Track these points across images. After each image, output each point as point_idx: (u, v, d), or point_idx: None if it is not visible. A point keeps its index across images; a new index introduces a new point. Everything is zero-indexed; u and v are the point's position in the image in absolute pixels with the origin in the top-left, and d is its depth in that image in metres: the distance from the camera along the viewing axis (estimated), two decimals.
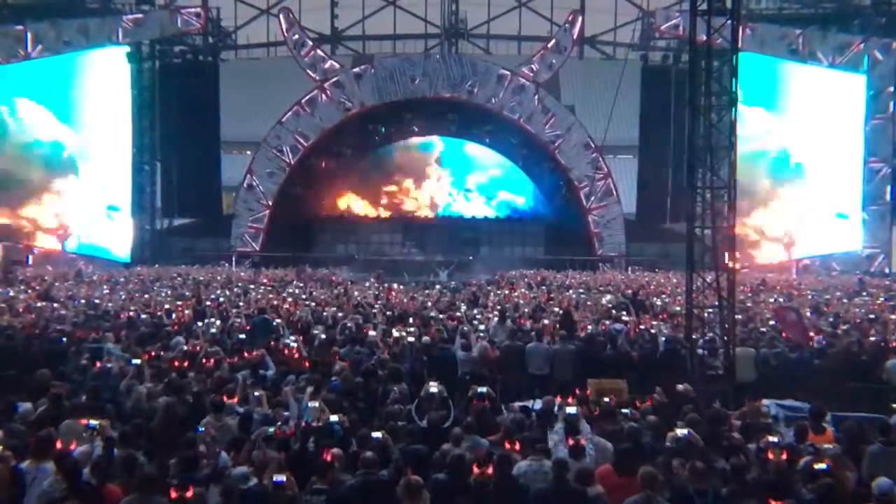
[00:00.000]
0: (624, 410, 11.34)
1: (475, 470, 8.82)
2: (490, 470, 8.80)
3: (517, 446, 9.73)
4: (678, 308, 20.55)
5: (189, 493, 7.99)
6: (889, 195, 41.47)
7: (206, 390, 11.97)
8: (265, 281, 30.24)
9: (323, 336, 16.37)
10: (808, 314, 20.71)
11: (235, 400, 11.48)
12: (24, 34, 41.15)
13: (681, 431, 9.79)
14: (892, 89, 41.06)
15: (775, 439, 9.62)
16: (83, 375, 13.44)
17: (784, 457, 9.15)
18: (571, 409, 10.29)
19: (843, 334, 17.41)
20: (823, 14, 43.32)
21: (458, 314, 20.04)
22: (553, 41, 44.75)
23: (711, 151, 15.91)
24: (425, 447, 9.97)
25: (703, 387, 13.24)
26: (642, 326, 18.10)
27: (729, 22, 16.03)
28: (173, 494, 8.01)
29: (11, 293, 24.37)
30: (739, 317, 17.81)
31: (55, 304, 21.47)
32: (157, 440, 9.92)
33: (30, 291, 25.12)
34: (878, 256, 41.56)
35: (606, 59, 53.55)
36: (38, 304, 21.10)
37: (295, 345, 15.38)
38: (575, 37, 45.57)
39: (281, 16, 45.58)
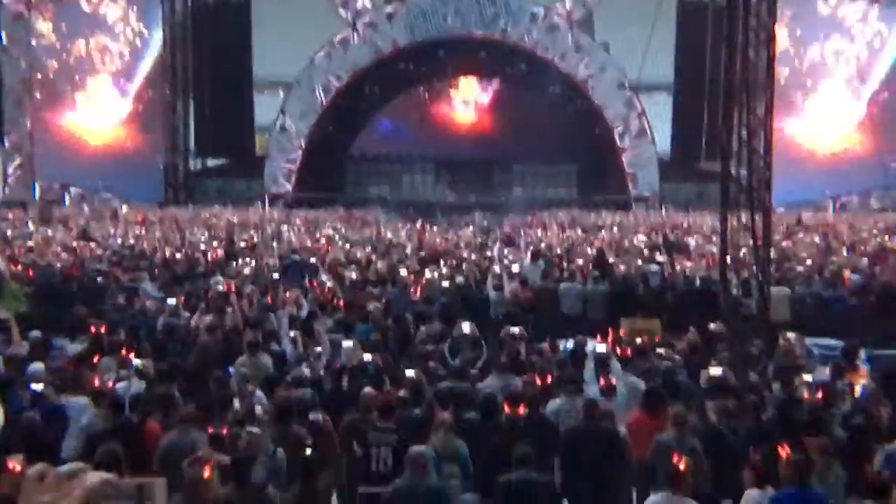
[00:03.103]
0: (658, 350, 11.36)
1: (507, 409, 8.87)
2: (521, 409, 8.86)
3: (550, 385, 9.77)
4: (713, 249, 20.42)
5: (224, 431, 8.12)
6: None
7: (241, 329, 12.11)
8: (298, 222, 30.35)
9: (355, 276, 16.45)
10: (845, 253, 20.54)
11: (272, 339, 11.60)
12: None
13: (714, 371, 9.79)
14: None
15: (809, 378, 9.60)
16: (120, 314, 13.63)
17: (819, 395, 9.13)
18: (601, 348, 10.31)
19: (881, 272, 17.25)
20: None
21: (491, 255, 20.06)
22: None
23: (748, 90, 15.67)
24: (458, 386, 10.04)
25: (736, 327, 13.19)
26: (677, 267, 18.04)
27: None
28: (209, 431, 8.13)
29: (50, 232, 24.65)
30: (775, 256, 17.68)
31: (92, 244, 21.70)
32: (193, 378, 10.04)
33: (67, 231, 25.38)
34: None
35: None
36: (76, 244, 21.33)
37: (329, 284, 15.48)
38: None
39: None
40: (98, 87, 42.79)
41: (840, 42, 41.48)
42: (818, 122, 41.65)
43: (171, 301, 13.06)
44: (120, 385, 9.50)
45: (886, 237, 24.98)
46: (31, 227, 26.48)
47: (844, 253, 20.56)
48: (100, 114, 42.82)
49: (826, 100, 41.81)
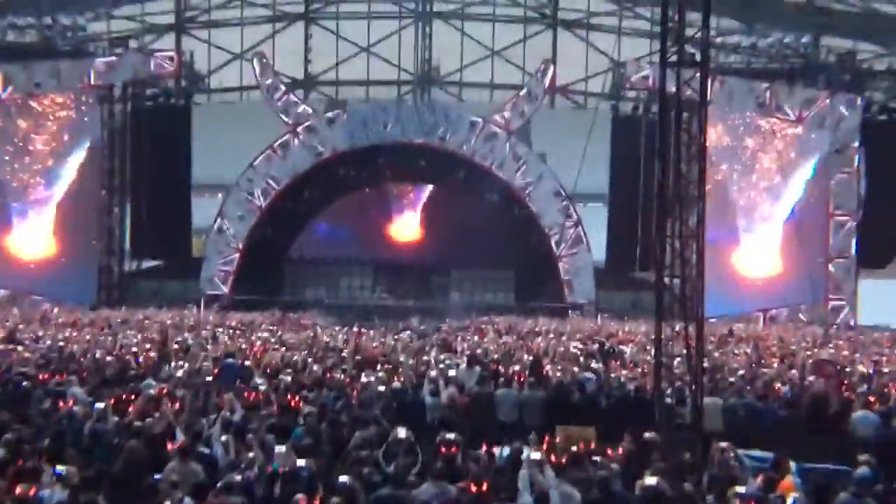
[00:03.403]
0: (593, 458, 11.33)
1: None
2: None
3: (485, 493, 9.67)
4: (647, 357, 20.60)
5: None
6: (854, 249, 41.98)
7: (171, 434, 11.84)
8: (234, 324, 30.03)
9: (290, 379, 16.26)
10: (775, 364, 20.84)
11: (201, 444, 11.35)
12: None
13: (650, 480, 9.78)
14: (856, 144, 41.73)
15: (742, 489, 9.63)
16: (46, 419, 13.26)
17: None
18: (535, 456, 10.26)
19: (810, 385, 17.49)
20: (791, 69, 44.06)
21: (428, 359, 20.00)
22: (525, 90, 45.20)
23: (680, 201, 16.04)
24: (392, 493, 9.88)
25: (670, 436, 13.23)
26: (612, 375, 18.13)
27: (698, 74, 16.25)
28: None
29: None
30: (707, 366, 17.88)
31: (19, 347, 21.19)
32: (119, 485, 9.76)
33: None
34: (843, 308, 41.94)
35: (578, 108, 54.05)
36: (2, 347, 20.82)
37: (263, 388, 15.26)
38: (547, 86, 45.99)
39: (255, 60, 45.76)
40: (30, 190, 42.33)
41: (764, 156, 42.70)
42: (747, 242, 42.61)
43: (100, 405, 12.74)
44: (43, 493, 9.19)
45: (815, 350, 25.45)
46: None
47: (775, 365, 20.87)
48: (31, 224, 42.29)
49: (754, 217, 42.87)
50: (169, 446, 11.33)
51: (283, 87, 45.01)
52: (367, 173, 45.30)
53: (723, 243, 38.75)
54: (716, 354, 22.49)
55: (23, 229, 42.13)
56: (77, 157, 42.64)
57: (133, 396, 14.21)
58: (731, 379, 17.80)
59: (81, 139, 42.72)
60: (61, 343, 22.11)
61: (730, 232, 41.13)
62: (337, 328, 30.74)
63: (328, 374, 17.16)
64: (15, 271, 42.00)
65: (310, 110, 45.32)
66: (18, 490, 9.10)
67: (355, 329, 29.19)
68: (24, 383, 15.91)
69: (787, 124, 41.92)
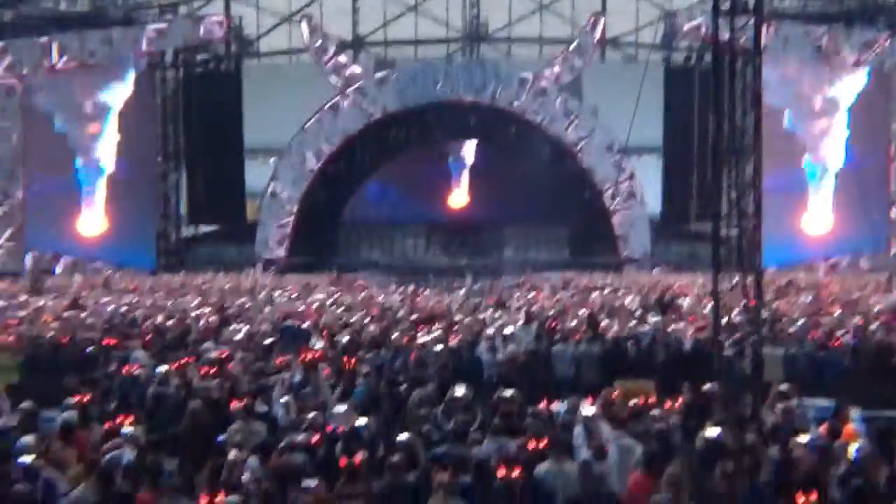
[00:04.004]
0: (652, 412, 11.31)
1: (501, 472, 8.82)
2: (516, 472, 8.80)
3: (542, 448, 9.72)
4: (704, 309, 20.44)
5: (218, 499, 8.03)
6: None
7: (234, 395, 12.04)
8: (290, 287, 30.32)
9: (347, 340, 16.41)
10: (837, 313, 20.57)
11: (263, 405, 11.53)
12: (49, 46, 41.51)
13: (711, 432, 9.75)
14: None
15: (805, 439, 9.56)
16: (111, 382, 13.55)
17: (815, 456, 9.09)
18: (588, 411, 10.28)
19: (873, 332, 17.26)
20: (848, 11, 42.91)
21: (484, 317, 20.05)
22: (575, 43, 44.68)
23: (735, 151, 15.82)
24: (452, 450, 9.97)
25: (730, 387, 13.14)
26: (668, 328, 18.03)
27: (752, 21, 15.92)
28: (202, 501, 8.04)
29: (41, 302, 24.56)
30: (766, 316, 17.70)
31: (83, 313, 21.63)
32: (184, 446, 9.96)
33: (58, 300, 25.30)
34: None
35: (629, 61, 53.31)
36: (67, 313, 21.25)
37: (321, 350, 15.43)
38: (597, 39, 45.45)
39: (303, 23, 45.75)
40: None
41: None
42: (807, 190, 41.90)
43: (162, 369, 12.98)
44: (111, 454, 9.41)
45: (878, 297, 25.05)
46: (23, 297, 26.39)
47: (836, 313, 20.58)
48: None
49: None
50: (231, 407, 11.53)
51: (331, 49, 44.97)
52: (417, 133, 45.23)
53: (782, 192, 38.07)
54: (775, 304, 22.22)
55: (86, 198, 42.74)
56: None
57: (194, 360, 14.46)
58: (792, 329, 17.59)
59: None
60: (124, 308, 22.51)
61: (790, 180, 40.40)
62: (392, 288, 30.91)
63: (385, 335, 17.28)
64: (76, 238, 42.71)
65: (359, 71, 45.24)
66: (88, 453, 9.34)
67: (411, 288, 29.35)
68: (90, 348, 16.29)
69: (844, 69, 40.98)
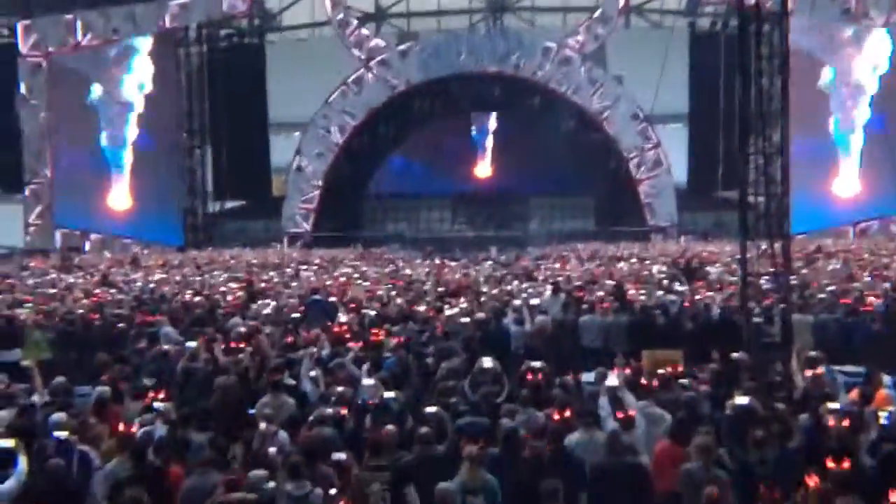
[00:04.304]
0: (681, 381, 11.28)
1: (529, 443, 8.84)
2: (545, 443, 8.82)
3: (570, 418, 9.72)
4: (732, 277, 20.34)
5: (244, 474, 8.10)
6: None
7: (262, 370, 12.11)
8: (317, 261, 30.42)
9: (374, 314, 16.45)
10: (867, 278, 20.38)
11: (291, 379, 11.59)
12: (73, 22, 41.65)
13: (741, 399, 9.71)
14: None
15: (836, 406, 9.50)
16: (141, 359, 13.67)
17: (846, 423, 9.04)
18: (612, 381, 10.26)
19: None
20: None
21: (510, 288, 20.04)
22: (598, 11, 44.30)
23: (763, 117, 15.66)
24: (480, 422, 10.00)
25: (759, 355, 13.09)
26: (696, 296, 17.96)
27: None
28: (233, 475, 8.12)
29: (70, 279, 24.79)
30: (795, 283, 17.59)
31: (113, 290, 21.81)
32: (215, 420, 10.04)
33: (88, 277, 25.52)
34: None
35: (653, 28, 52.86)
36: (97, 290, 21.44)
37: (348, 323, 15.48)
38: (621, 6, 45.06)
39: None
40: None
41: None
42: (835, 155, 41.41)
43: (192, 344, 13.07)
44: (143, 430, 9.51)
45: None
46: (53, 274, 26.64)
47: (866, 279, 20.39)
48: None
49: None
50: (259, 382, 11.61)
51: (354, 22, 44.84)
52: (441, 104, 45.11)
53: (810, 156, 37.68)
54: (804, 271, 22.07)
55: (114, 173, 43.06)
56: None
57: (222, 335, 14.55)
58: (821, 295, 17.45)
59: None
60: (152, 285, 22.68)
61: (817, 144, 39.95)
62: (418, 261, 30.93)
63: (412, 307, 17.31)
64: (105, 216, 43.01)
65: (382, 44, 45.12)
66: (120, 428, 9.44)
67: (437, 261, 29.37)
68: (120, 325, 16.43)
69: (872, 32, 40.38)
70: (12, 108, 41.40)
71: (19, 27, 41.65)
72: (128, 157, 43.00)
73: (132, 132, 42.97)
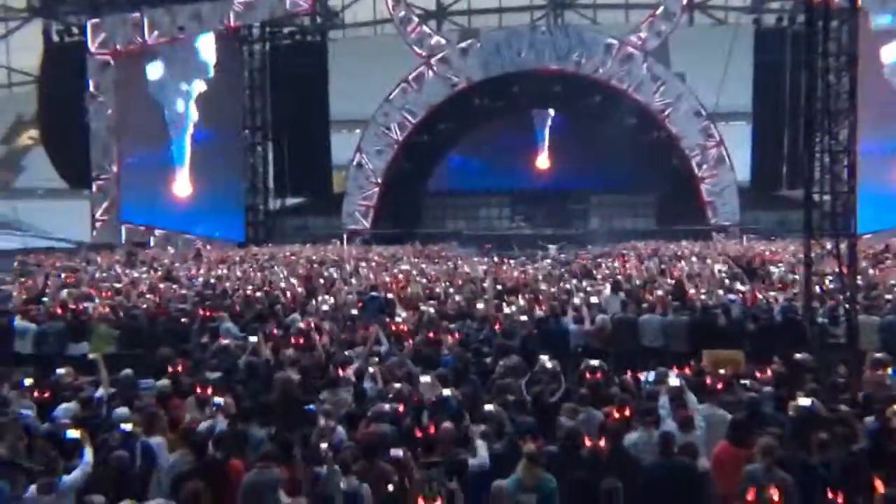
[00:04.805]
0: (743, 381, 11.13)
1: (587, 442, 8.79)
2: (603, 442, 8.76)
3: (628, 418, 9.65)
4: (795, 276, 20.02)
5: (303, 469, 8.17)
6: None
7: (321, 365, 12.20)
8: (376, 257, 30.56)
9: (433, 311, 16.47)
10: None
11: (350, 375, 11.64)
12: (140, 21, 42.34)
13: (804, 401, 9.55)
14: None
15: None
16: (203, 353, 13.85)
17: None
18: (674, 381, 10.14)
19: None
20: None
21: (569, 287, 19.94)
22: (661, 8, 43.86)
23: (829, 114, 15.39)
24: (539, 420, 9.97)
25: (823, 356, 12.87)
26: (759, 296, 17.70)
27: None
28: (292, 469, 8.19)
29: (135, 274, 25.20)
30: (861, 283, 17.26)
31: (175, 285, 22.12)
32: (275, 415, 10.13)
33: (152, 272, 25.92)
34: None
35: (717, 24, 52.33)
36: (161, 285, 21.76)
37: (406, 321, 15.53)
38: (684, 2, 44.62)
39: None
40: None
41: None
42: None
43: (253, 339, 13.21)
44: (204, 424, 9.62)
45: None
46: (119, 269, 27.11)
47: None
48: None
49: None
50: (319, 377, 11.70)
51: (415, 19, 44.95)
52: (502, 102, 45.05)
53: (878, 154, 36.85)
54: (871, 272, 21.63)
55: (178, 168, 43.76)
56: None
57: (283, 331, 14.68)
58: (889, 296, 17.09)
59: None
60: (214, 280, 22.96)
61: (886, 141, 39.05)
62: (476, 258, 30.90)
63: (470, 305, 17.30)
64: (169, 211, 43.68)
65: (443, 41, 45.16)
66: (182, 422, 9.57)
67: (495, 258, 29.32)
68: (183, 319, 16.67)
69: None
70: (81, 105, 42.18)
71: (88, 26, 42.43)
72: (190, 152, 43.59)
73: (195, 128, 43.59)
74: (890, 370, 11.46)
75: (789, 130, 41.24)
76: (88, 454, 8.44)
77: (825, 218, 15.46)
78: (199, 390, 10.74)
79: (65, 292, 19.79)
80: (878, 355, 11.92)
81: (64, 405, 10.42)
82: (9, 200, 54.01)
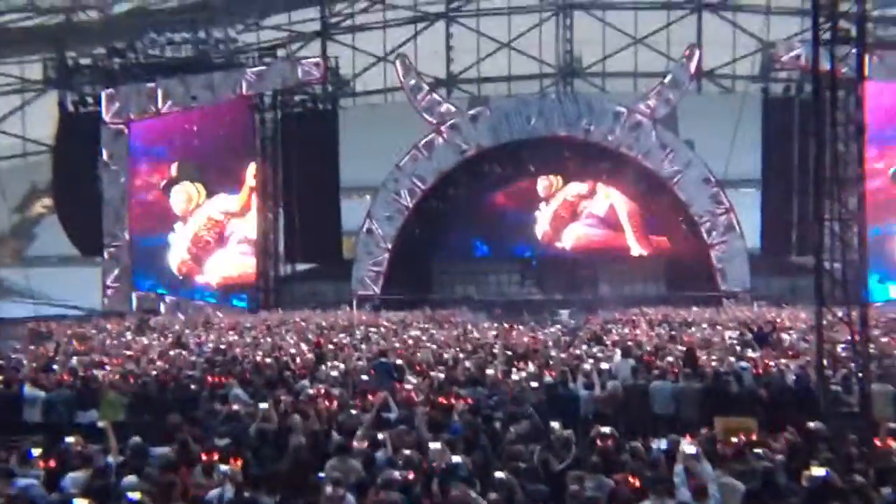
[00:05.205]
0: (756, 450, 11.02)
1: None
2: None
3: (640, 486, 9.55)
4: (806, 344, 19.93)
5: None
6: None
7: (330, 432, 12.13)
8: (386, 323, 30.53)
9: (443, 377, 16.41)
10: None
11: (360, 443, 11.57)
12: (155, 91, 42.95)
13: (817, 471, 9.44)
14: None
15: None
16: (213, 420, 13.78)
17: None
18: (690, 449, 10.04)
19: None
20: None
21: (579, 352, 19.87)
22: (669, 76, 44.36)
23: (838, 182, 15.47)
24: (550, 488, 9.88)
25: (836, 425, 12.75)
26: (771, 363, 17.60)
27: (854, 51, 15.62)
28: None
29: (145, 341, 25.21)
30: (874, 351, 17.16)
31: (185, 351, 22.11)
32: (285, 483, 10.06)
33: (162, 339, 25.93)
34: None
35: (725, 92, 52.78)
36: (171, 352, 21.76)
37: (416, 386, 15.46)
38: (692, 71, 45.08)
39: (397, 62, 46.36)
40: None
41: None
42: None
43: (264, 405, 13.15)
44: (213, 493, 9.55)
45: None
46: (129, 336, 27.14)
47: None
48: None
49: None
50: (328, 444, 11.62)
51: (425, 87, 45.46)
52: (511, 169, 45.36)
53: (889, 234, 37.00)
54: (883, 339, 21.52)
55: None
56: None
57: (292, 397, 14.63)
58: None
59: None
60: (224, 346, 22.95)
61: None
62: (486, 324, 30.86)
63: (481, 371, 17.23)
64: (179, 279, 43.88)
65: (453, 109, 45.59)
66: (191, 491, 9.50)
67: (505, 325, 29.27)
68: (192, 386, 16.64)
69: None
70: (95, 174, 42.65)
71: (103, 96, 43.07)
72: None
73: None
74: None
75: (798, 197, 41.43)
76: None
77: (836, 285, 15.45)
78: (205, 457, 10.68)
79: (75, 359, 19.80)
80: (893, 425, 11.81)
81: (72, 474, 10.34)
82: (21, 268, 54.25)
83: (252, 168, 44.69)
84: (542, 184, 46.49)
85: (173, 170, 43.81)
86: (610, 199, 46.22)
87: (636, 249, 47.08)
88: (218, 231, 44.40)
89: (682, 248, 44.07)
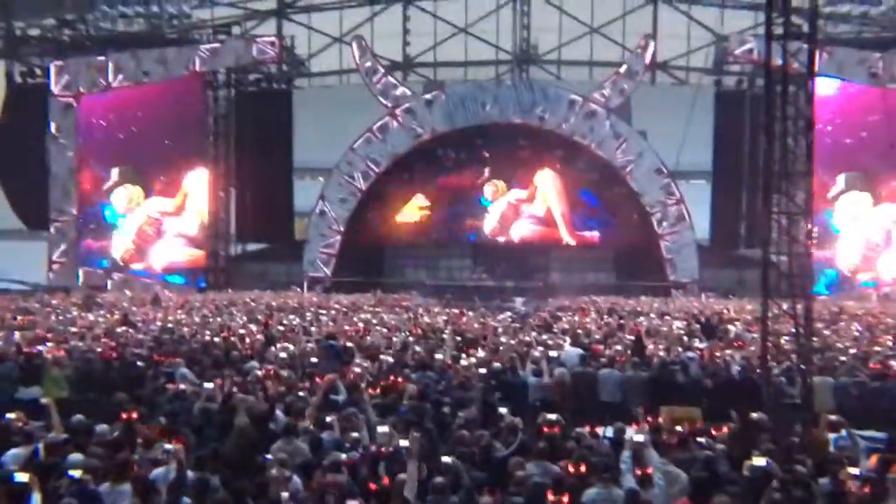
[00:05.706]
0: (699, 439, 11.16)
1: (551, 497, 8.74)
2: (566, 498, 8.72)
3: (585, 473, 9.62)
4: (753, 335, 20.20)
5: None
6: None
7: (275, 413, 12.07)
8: (336, 306, 30.43)
9: (392, 360, 16.40)
10: (890, 342, 20.19)
11: (307, 424, 11.53)
12: (105, 65, 42.27)
13: (758, 461, 9.58)
14: None
15: (857, 471, 9.37)
16: (159, 399, 13.66)
17: (867, 489, 8.90)
18: (638, 437, 10.14)
19: None
20: None
21: (529, 339, 19.96)
22: (625, 66, 44.61)
23: (787, 176, 15.67)
24: (495, 473, 9.92)
25: (779, 416, 12.95)
26: (716, 354, 17.83)
27: (805, 46, 15.80)
28: None
29: (91, 318, 24.88)
30: (817, 344, 17.44)
31: (132, 329, 21.86)
32: (230, 463, 9.99)
33: (109, 316, 25.60)
34: None
35: (679, 84, 53.12)
36: (118, 329, 21.49)
37: (365, 369, 15.43)
38: (647, 62, 45.39)
39: (353, 44, 46.11)
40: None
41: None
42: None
43: (209, 385, 13.06)
44: (157, 471, 9.47)
45: None
46: (75, 312, 26.75)
47: (889, 343, 20.20)
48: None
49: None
50: (274, 426, 11.57)
51: (381, 70, 45.31)
52: (465, 154, 45.36)
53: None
54: (826, 332, 21.88)
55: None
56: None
57: (239, 378, 14.53)
58: (843, 358, 17.27)
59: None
60: (171, 325, 22.72)
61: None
62: (437, 309, 30.88)
63: (430, 355, 17.24)
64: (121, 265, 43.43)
65: (409, 92, 45.51)
66: (134, 469, 9.40)
67: (456, 310, 29.32)
68: (139, 364, 16.45)
69: None
70: (42, 147, 41.94)
71: (52, 68, 42.33)
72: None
73: None
74: (844, 431, 11.57)
75: (748, 191, 41.95)
76: (37, 501, 8.25)
77: (782, 278, 15.66)
78: (147, 432, 10.60)
79: (17, 335, 19.49)
80: (832, 417, 12.03)
81: (13, 451, 10.19)
82: None
83: (190, 176, 44.07)
84: (489, 189, 46.43)
85: (114, 174, 43.18)
86: (547, 202, 46.18)
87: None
88: (156, 228, 43.90)
89: (633, 238, 44.37)
